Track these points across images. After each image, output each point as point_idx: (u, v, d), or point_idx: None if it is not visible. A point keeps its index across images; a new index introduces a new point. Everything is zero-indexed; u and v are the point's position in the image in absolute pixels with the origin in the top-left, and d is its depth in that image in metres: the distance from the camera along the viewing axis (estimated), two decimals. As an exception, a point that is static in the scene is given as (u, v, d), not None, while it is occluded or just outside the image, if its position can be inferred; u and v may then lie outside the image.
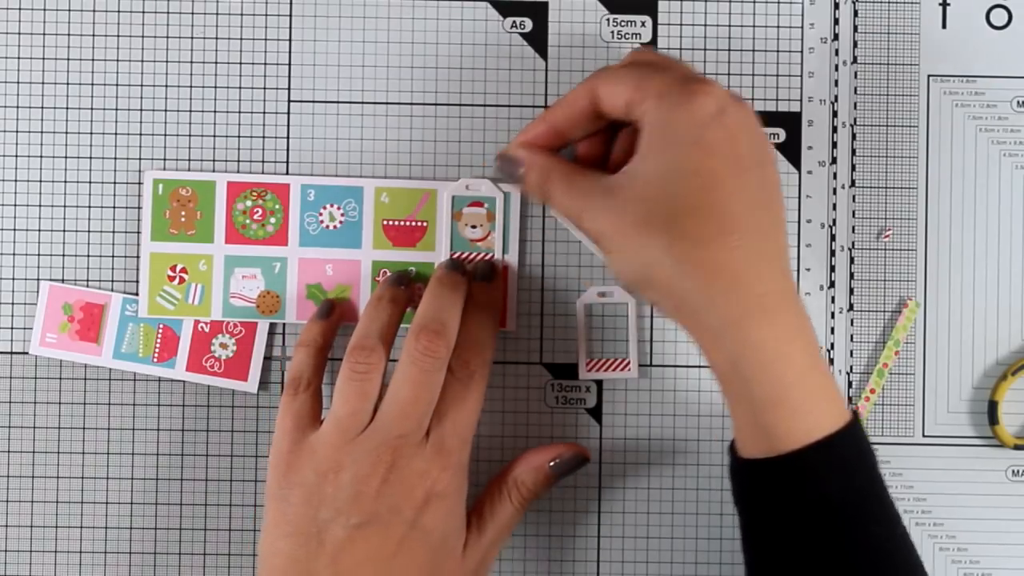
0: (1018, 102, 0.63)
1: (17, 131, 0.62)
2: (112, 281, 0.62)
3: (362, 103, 0.62)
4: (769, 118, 0.63)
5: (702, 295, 0.50)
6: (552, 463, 0.58)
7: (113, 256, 0.62)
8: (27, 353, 0.62)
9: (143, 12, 0.62)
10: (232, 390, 0.62)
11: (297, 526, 0.53)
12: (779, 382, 0.50)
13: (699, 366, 0.63)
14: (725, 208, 0.50)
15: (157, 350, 0.61)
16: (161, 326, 0.61)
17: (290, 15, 0.63)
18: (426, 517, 0.53)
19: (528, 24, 0.63)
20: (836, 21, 0.63)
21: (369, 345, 0.55)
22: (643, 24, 0.63)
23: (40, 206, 0.62)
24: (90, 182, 0.62)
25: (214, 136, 0.62)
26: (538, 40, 0.63)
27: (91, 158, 0.62)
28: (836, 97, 0.63)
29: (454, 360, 0.56)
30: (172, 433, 0.62)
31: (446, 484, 0.54)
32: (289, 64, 0.62)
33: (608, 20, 0.63)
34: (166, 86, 0.62)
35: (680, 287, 0.50)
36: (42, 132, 0.62)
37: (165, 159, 0.62)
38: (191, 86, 0.62)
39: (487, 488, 0.58)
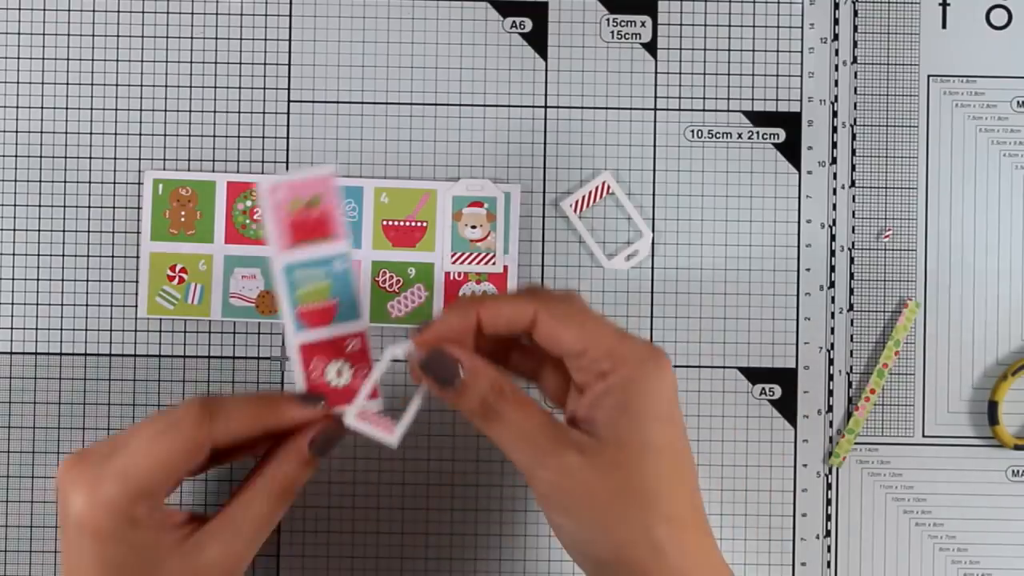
0: (1018, 102, 0.63)
1: (17, 131, 0.62)
2: (112, 281, 0.62)
3: (362, 103, 0.62)
4: (769, 118, 0.63)
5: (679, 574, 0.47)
6: (311, 449, 0.51)
7: (113, 256, 0.62)
8: (27, 353, 0.62)
9: (143, 12, 0.62)
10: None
11: None
12: None
13: (699, 366, 0.63)
14: (693, 484, 0.49)
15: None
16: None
17: (290, 15, 0.63)
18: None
19: (528, 24, 0.63)
20: (836, 21, 0.63)
21: None
22: (643, 24, 0.63)
23: (40, 206, 0.62)
24: (90, 182, 0.62)
25: (214, 136, 0.62)
26: (538, 40, 0.63)
27: (91, 158, 0.62)
28: (836, 97, 0.63)
29: None
30: (172, 433, 0.62)
31: None
32: (289, 64, 0.63)
33: (608, 20, 0.63)
34: (166, 86, 0.62)
35: (656, 569, 0.47)
36: (42, 132, 0.62)
37: (165, 159, 0.62)
38: (191, 86, 0.62)
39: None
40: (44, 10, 0.62)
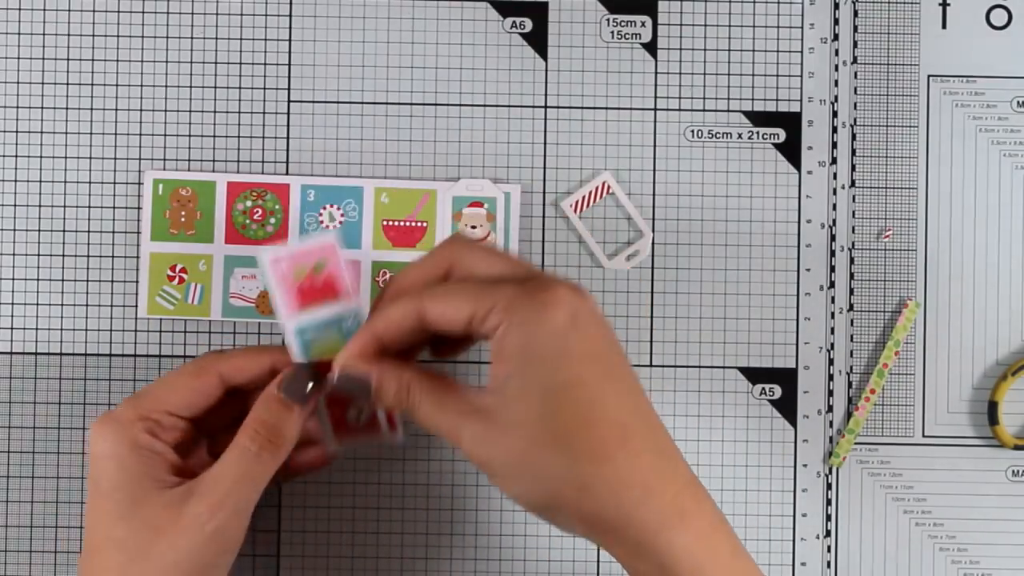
0: (1018, 102, 0.63)
1: (17, 131, 0.62)
2: (112, 281, 0.62)
3: (362, 103, 0.62)
4: (769, 118, 0.63)
5: (616, 512, 0.46)
6: (279, 389, 0.53)
7: (113, 256, 0.62)
8: (27, 353, 0.62)
9: (143, 12, 0.62)
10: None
11: None
12: None
13: (698, 366, 0.63)
14: (616, 415, 0.47)
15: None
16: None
17: (290, 15, 0.63)
18: None
19: (528, 24, 0.63)
20: (836, 21, 0.63)
21: None
22: (643, 24, 0.63)
23: (40, 206, 0.62)
24: (90, 182, 0.62)
25: (214, 136, 0.62)
26: (538, 40, 0.63)
27: (91, 158, 0.62)
28: (836, 97, 0.63)
29: None
30: (172, 433, 0.62)
31: None
32: (289, 64, 0.63)
33: (608, 20, 0.63)
34: (166, 86, 0.62)
35: (591, 508, 0.47)
36: (42, 132, 0.62)
37: (165, 159, 0.62)
38: (191, 86, 0.62)
39: None
40: (44, 10, 0.62)
